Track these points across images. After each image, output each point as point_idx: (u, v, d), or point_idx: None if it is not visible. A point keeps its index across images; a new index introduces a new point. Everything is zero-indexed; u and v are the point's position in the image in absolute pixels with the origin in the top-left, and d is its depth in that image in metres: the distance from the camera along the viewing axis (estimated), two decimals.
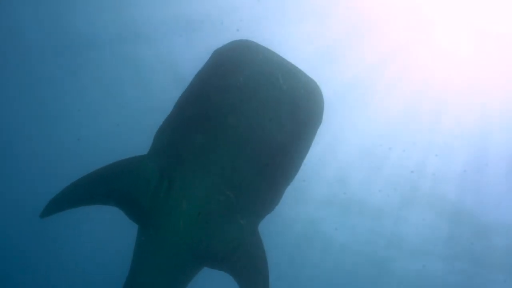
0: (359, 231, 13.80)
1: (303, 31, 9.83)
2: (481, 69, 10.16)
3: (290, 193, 3.77)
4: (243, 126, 3.20)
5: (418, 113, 11.02)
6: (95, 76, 11.13)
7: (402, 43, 10.10)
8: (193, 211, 3.50)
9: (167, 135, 3.52)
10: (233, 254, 3.65)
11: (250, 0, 9.28)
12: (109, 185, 3.65)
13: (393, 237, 13.50)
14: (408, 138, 11.41)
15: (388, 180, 12.25)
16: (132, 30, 10.25)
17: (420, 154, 11.73)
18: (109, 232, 13.01)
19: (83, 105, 11.68)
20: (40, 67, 10.92)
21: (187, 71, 4.01)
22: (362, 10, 9.50)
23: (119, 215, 3.88)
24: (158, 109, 4.42)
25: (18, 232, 14.15)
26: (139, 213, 3.68)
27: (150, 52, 10.69)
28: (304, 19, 9.72)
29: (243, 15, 9.32)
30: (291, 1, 9.58)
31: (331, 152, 11.71)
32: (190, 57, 10.34)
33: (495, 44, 9.71)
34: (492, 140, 11.06)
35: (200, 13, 9.94)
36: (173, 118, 3.54)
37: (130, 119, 11.99)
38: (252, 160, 3.27)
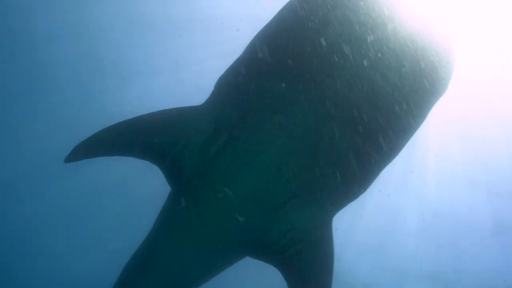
0: None
1: None
2: None
3: None
4: (347, 78, 2.39)
5: None
6: None
7: None
8: (252, 184, 2.70)
9: (235, 81, 2.71)
10: (293, 247, 2.91)
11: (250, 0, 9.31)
12: (151, 135, 2.97)
13: None
14: None
15: None
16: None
17: None
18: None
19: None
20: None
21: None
22: None
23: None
24: None
25: None
26: (180, 174, 2.95)
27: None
28: None
29: (243, 15, 9.34)
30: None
31: None
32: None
33: None
34: None
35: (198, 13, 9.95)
36: (247, 60, 2.72)
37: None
38: (349, 126, 2.46)
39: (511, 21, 8.33)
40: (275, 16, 2.74)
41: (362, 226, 11.85)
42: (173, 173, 3.03)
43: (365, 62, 2.37)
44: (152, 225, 3.30)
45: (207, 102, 2.93)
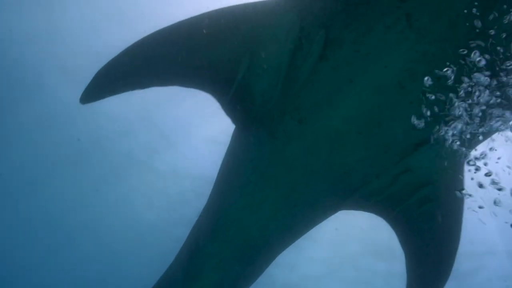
0: None
1: None
2: None
3: None
4: None
5: None
6: None
7: None
8: (359, 109, 1.84)
9: None
10: (420, 194, 2.14)
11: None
12: (211, 45, 2.06)
13: None
14: None
15: None
16: None
17: None
18: None
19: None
20: None
21: None
22: None
23: None
24: None
25: None
26: (248, 103, 2.12)
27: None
28: None
29: None
30: None
31: None
32: None
33: None
34: None
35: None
36: None
37: None
38: None
39: None
40: None
41: None
42: (237, 102, 2.15)
43: None
44: (216, 178, 2.55)
45: None
